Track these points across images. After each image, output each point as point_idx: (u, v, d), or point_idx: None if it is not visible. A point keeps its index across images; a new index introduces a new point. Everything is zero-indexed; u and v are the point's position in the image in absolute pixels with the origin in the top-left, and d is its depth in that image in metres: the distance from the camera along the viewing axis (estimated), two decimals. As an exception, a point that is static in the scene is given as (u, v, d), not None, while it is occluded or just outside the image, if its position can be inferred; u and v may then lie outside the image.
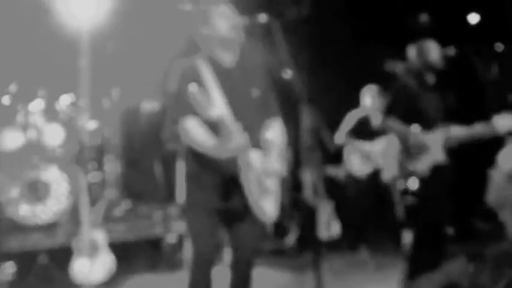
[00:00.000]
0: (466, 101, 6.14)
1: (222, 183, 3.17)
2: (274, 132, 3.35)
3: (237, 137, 3.03)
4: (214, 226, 3.26)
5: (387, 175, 4.45)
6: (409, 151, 4.29)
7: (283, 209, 3.41)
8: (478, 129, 4.30)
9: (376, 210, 6.18)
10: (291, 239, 6.34)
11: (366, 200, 6.28)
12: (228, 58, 3.25)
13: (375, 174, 6.01)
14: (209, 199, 3.20)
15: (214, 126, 3.06)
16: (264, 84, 3.36)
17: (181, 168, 3.32)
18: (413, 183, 4.28)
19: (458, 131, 4.32)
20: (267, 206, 3.23)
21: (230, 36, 3.19)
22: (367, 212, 6.30)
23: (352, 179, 6.37)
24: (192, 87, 2.87)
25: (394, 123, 4.29)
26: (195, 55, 3.29)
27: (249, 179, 3.13)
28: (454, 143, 4.32)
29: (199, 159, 3.17)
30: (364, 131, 6.11)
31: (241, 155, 3.09)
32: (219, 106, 3.07)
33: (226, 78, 3.21)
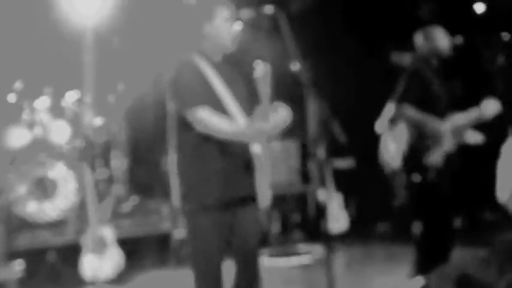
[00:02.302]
0: (473, 90, 6.10)
1: (234, 171, 3.16)
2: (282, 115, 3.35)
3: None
4: (222, 221, 3.24)
5: (395, 165, 4.41)
6: (424, 141, 4.25)
7: (290, 202, 3.40)
8: (471, 115, 4.29)
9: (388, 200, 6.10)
10: (293, 229, 6.33)
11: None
12: (218, 58, 3.26)
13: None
14: (220, 189, 3.18)
15: (225, 114, 3.07)
16: (249, 79, 3.36)
17: (181, 163, 3.28)
18: (431, 174, 4.25)
19: (459, 119, 4.30)
20: (268, 190, 3.22)
21: (227, 43, 3.20)
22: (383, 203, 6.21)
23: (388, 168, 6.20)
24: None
25: (411, 111, 4.23)
26: (192, 49, 3.28)
27: (261, 166, 3.13)
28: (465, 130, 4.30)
29: (209, 149, 3.14)
30: None
31: (260, 140, 3.09)
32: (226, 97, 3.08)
33: (220, 72, 3.22)
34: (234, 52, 3.27)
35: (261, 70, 3.05)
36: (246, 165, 3.16)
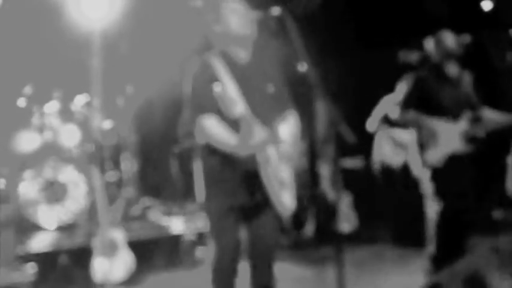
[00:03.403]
0: (482, 89, 6.08)
1: (242, 179, 3.17)
2: (289, 125, 3.35)
3: (258, 133, 3.04)
4: (235, 223, 3.25)
5: (415, 169, 4.43)
6: (422, 140, 4.27)
7: (299, 201, 3.40)
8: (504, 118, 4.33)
9: (403, 201, 6.07)
10: (308, 230, 6.32)
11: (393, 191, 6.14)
12: (241, 54, 3.24)
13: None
14: (229, 196, 3.20)
15: (233, 124, 3.07)
16: (278, 79, 3.35)
17: (198, 167, 3.31)
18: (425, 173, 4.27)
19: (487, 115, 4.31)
20: (286, 199, 3.22)
21: (243, 32, 3.19)
22: (393, 202, 6.19)
23: (383, 168, 6.21)
24: (217, 86, 2.89)
25: (413, 115, 4.25)
26: (208, 52, 3.28)
27: (268, 173, 3.12)
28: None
29: (218, 157, 3.16)
30: None
31: (261, 151, 3.08)
32: (239, 103, 3.07)
33: (241, 74, 3.20)
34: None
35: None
36: (253, 174, 3.15)
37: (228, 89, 3.09)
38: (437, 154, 4.24)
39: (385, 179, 6.20)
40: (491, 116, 4.38)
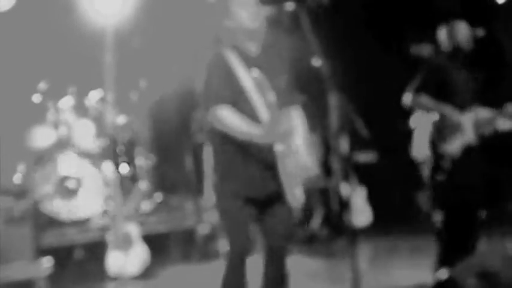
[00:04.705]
0: (495, 82, 6.05)
1: (259, 170, 3.19)
2: (297, 120, 3.36)
3: (285, 121, 3.08)
4: (248, 216, 3.27)
5: (419, 155, 4.40)
6: (442, 130, 4.24)
7: (309, 193, 3.41)
8: (496, 112, 4.29)
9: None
10: (315, 224, 6.34)
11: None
12: (253, 47, 3.26)
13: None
14: (245, 187, 3.21)
15: (249, 114, 3.10)
16: (289, 73, 3.37)
17: (210, 159, 3.33)
18: (445, 163, 4.23)
19: (485, 114, 4.28)
20: (297, 191, 3.24)
21: (253, 25, 3.20)
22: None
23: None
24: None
25: (427, 101, 4.23)
26: (220, 45, 3.29)
27: (285, 165, 3.14)
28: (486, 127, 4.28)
29: (234, 147, 3.18)
30: None
31: (280, 141, 3.11)
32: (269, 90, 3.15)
33: (253, 67, 3.22)
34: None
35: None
36: (269, 165, 3.17)
37: (239, 79, 3.15)
38: (456, 144, 4.21)
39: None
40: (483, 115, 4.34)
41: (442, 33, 4.42)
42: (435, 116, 4.26)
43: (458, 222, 4.32)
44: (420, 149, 4.36)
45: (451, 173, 4.25)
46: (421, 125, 4.36)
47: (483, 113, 4.30)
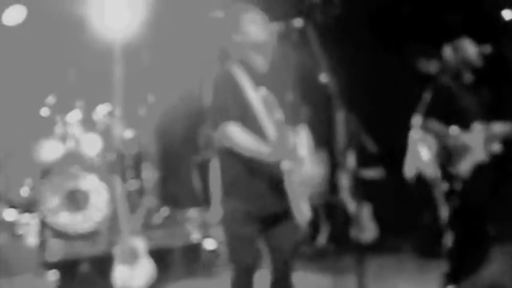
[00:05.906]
0: (503, 99, 6.05)
1: (266, 186, 3.19)
2: (304, 138, 3.37)
3: (292, 139, 3.10)
4: (254, 231, 3.27)
5: (428, 176, 4.41)
6: (450, 153, 4.24)
7: (315, 209, 3.41)
8: (504, 127, 4.29)
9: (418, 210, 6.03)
10: (321, 239, 6.32)
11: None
12: (261, 63, 3.27)
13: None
14: (252, 204, 3.21)
15: (255, 131, 3.11)
16: (296, 90, 3.38)
17: (217, 174, 3.34)
18: (457, 185, 4.23)
19: (499, 128, 4.28)
20: (304, 207, 3.24)
21: (262, 40, 3.22)
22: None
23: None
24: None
25: (434, 125, 4.26)
26: (228, 61, 3.31)
27: (292, 182, 3.14)
28: (497, 140, 4.28)
29: (241, 164, 3.18)
30: None
31: (288, 158, 3.11)
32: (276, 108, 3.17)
33: (261, 83, 3.23)
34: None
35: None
36: (276, 182, 3.18)
37: (246, 95, 3.16)
38: (467, 165, 4.22)
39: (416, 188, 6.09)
40: (498, 130, 4.34)
41: (447, 51, 4.43)
42: (443, 140, 4.28)
43: (469, 239, 4.31)
44: (410, 167, 4.39)
45: (463, 194, 4.25)
46: (415, 144, 4.38)
47: (495, 127, 4.31)
